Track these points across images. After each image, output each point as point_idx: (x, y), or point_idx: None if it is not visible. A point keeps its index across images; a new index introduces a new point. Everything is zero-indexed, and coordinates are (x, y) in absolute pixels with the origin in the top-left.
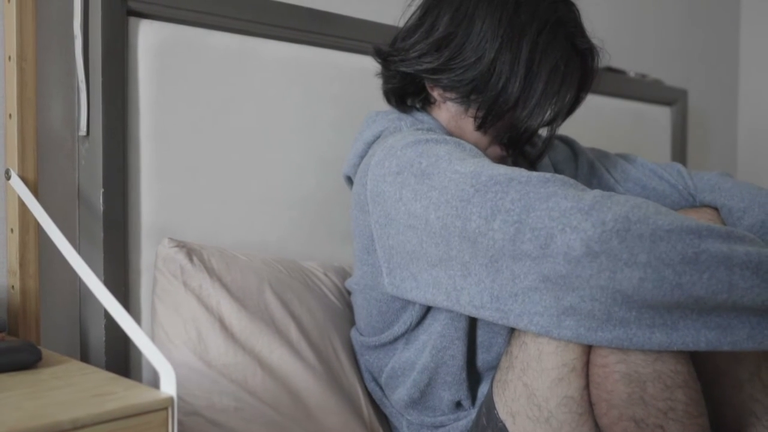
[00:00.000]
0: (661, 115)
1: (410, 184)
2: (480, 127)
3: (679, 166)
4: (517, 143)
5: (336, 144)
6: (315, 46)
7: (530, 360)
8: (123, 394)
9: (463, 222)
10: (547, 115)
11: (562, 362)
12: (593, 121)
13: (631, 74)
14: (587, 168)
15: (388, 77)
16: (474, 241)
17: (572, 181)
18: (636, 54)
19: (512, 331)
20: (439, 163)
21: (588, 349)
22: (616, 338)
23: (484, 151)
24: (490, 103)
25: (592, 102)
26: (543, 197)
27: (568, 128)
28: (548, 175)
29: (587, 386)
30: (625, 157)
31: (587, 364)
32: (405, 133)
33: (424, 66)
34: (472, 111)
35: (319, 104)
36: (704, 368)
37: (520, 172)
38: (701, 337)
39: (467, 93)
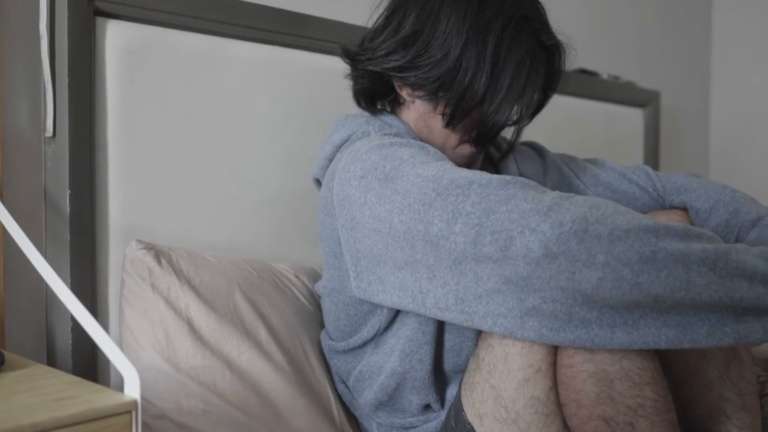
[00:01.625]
0: (633, 117)
1: (374, 188)
2: (448, 124)
3: (647, 168)
4: (485, 139)
5: (306, 145)
6: (285, 47)
7: (497, 362)
8: (86, 397)
9: (425, 226)
10: (514, 110)
11: (527, 363)
12: (566, 123)
13: (604, 76)
14: (556, 175)
15: (357, 77)
16: (437, 244)
17: (533, 183)
18: (609, 56)
19: (479, 333)
20: (403, 167)
21: (554, 350)
22: (578, 338)
23: (453, 149)
24: (457, 99)
25: (565, 103)
26: (503, 200)
27: (541, 129)
28: (509, 177)
29: (553, 387)
30: (593, 161)
31: (553, 365)
32: (371, 138)
33: (392, 64)
34: (440, 108)
35: (289, 105)
36: (674, 368)
37: (481, 175)
38: (662, 335)
39: (435, 90)
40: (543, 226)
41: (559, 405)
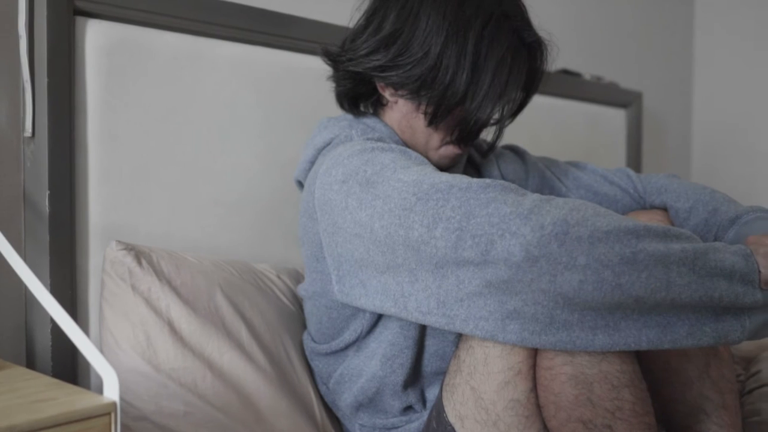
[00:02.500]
0: (616, 118)
1: (355, 192)
2: (431, 123)
3: (628, 170)
4: (467, 138)
5: (288, 145)
6: (268, 47)
7: (477, 364)
8: (65, 399)
9: (406, 231)
10: (496, 107)
11: (508, 366)
12: (549, 123)
13: (587, 77)
14: (538, 178)
15: (339, 79)
16: (417, 249)
17: (513, 186)
18: (592, 57)
19: (460, 335)
20: (384, 172)
21: (534, 352)
22: (559, 341)
23: (437, 150)
24: (439, 98)
25: (547, 104)
26: (483, 203)
27: (524, 129)
28: (489, 180)
29: (534, 389)
30: (575, 164)
31: (533, 367)
32: (354, 142)
33: (373, 63)
34: (422, 107)
35: (272, 106)
36: (655, 367)
37: (461, 179)
38: (642, 336)
39: (417, 89)
40: (524, 230)
41: (539, 407)
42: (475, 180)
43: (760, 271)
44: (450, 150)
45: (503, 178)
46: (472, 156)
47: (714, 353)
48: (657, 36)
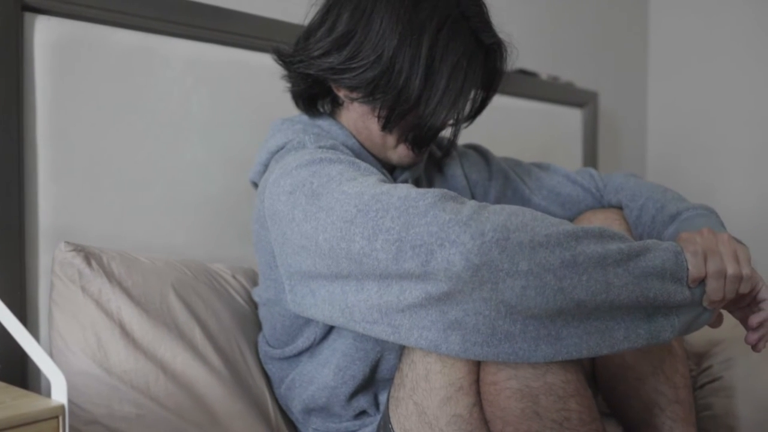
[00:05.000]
0: (572, 117)
1: (301, 204)
2: (384, 127)
3: (591, 170)
4: (421, 143)
5: (243, 144)
6: (221, 44)
7: (419, 379)
8: (11, 403)
9: (347, 244)
10: (450, 113)
11: (449, 382)
12: (506, 123)
13: (543, 76)
14: (502, 179)
15: (293, 80)
16: (360, 262)
17: (452, 194)
18: (548, 57)
19: (403, 348)
20: (330, 184)
21: (475, 368)
22: (502, 352)
23: (394, 150)
24: (392, 102)
25: (504, 103)
26: (421, 212)
27: (481, 128)
28: (429, 189)
29: (477, 403)
30: (538, 165)
31: (475, 382)
32: (304, 151)
33: (325, 66)
34: (377, 111)
35: (227, 104)
36: (610, 362)
37: (401, 189)
38: (583, 344)
39: (370, 92)
40: (463, 237)
41: (482, 421)
42: (415, 189)
43: (688, 269)
44: (405, 150)
45: (467, 178)
46: (434, 153)
47: (668, 349)
48: (612, 36)
